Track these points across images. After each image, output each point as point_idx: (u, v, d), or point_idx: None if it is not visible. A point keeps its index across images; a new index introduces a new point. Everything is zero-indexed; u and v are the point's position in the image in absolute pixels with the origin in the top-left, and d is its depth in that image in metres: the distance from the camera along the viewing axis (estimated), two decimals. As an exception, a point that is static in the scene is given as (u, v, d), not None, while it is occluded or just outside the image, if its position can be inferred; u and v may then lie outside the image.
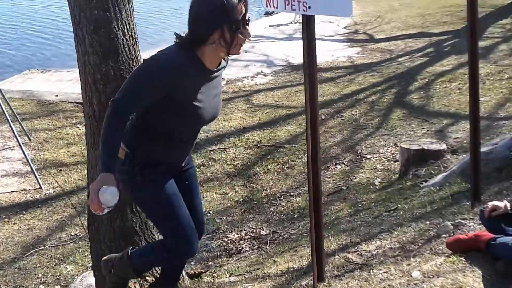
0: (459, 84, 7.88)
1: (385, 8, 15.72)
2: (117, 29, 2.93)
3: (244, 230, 4.83)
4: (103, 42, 2.91)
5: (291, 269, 3.19)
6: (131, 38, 3.02)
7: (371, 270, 2.86)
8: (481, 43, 8.79)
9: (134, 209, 3.05)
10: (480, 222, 2.92)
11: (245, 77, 10.03)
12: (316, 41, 2.58)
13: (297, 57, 11.30)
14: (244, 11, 2.19)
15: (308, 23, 2.51)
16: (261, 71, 10.37)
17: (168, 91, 2.20)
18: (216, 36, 2.17)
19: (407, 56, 10.60)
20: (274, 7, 2.66)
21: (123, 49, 2.97)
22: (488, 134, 5.59)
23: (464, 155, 4.95)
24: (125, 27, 2.97)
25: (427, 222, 3.53)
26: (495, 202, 2.72)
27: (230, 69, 10.44)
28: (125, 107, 2.21)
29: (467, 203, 3.73)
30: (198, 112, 2.29)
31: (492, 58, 8.81)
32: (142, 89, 2.21)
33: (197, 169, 6.24)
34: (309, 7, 2.41)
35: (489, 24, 11.17)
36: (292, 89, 9.15)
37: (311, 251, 2.69)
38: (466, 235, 2.77)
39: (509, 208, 2.65)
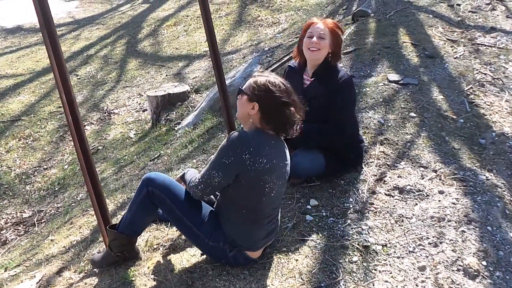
0: (184, 26, 8.23)
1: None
2: None
3: (2, 218, 4.32)
4: None
5: (75, 242, 3.02)
6: None
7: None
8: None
9: None
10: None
11: None
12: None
13: (10, 19, 10.15)
14: None
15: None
16: (-32, 41, 9.02)
17: None
18: None
19: (128, 5, 10.53)
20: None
21: None
22: (223, 69, 6.05)
23: (207, 92, 5.29)
24: None
25: (194, 161, 3.73)
26: None
27: None
28: None
29: (223, 135, 4.05)
30: None
31: (207, -2, 9.37)
32: None
33: None
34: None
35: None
36: (13, 55, 8.25)
37: (96, 218, 2.58)
38: None
39: None
